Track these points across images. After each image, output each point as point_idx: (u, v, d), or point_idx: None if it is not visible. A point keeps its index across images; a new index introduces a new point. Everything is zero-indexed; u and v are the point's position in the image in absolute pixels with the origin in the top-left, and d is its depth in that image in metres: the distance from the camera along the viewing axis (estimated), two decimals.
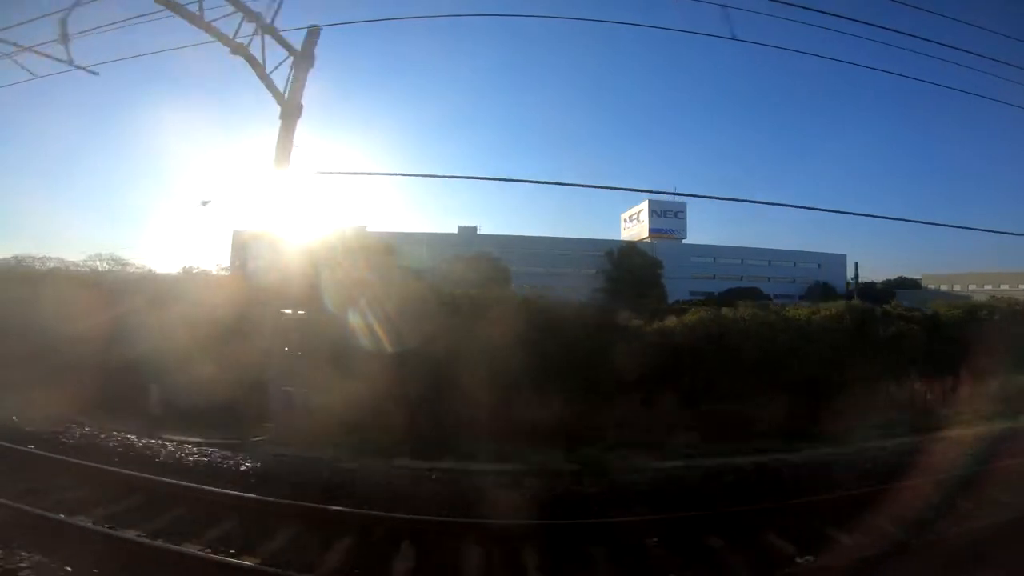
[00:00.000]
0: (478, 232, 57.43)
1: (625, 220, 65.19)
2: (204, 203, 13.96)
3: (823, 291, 52.09)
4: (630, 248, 49.96)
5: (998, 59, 11.30)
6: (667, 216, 56.85)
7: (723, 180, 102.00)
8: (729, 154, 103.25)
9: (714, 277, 54.74)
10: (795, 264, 64.53)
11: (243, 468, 7.92)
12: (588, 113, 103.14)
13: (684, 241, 57.92)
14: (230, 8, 9.31)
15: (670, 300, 37.60)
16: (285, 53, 10.53)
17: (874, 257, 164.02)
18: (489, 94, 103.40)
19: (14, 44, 9.82)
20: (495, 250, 46.56)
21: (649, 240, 55.16)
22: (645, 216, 57.69)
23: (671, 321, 11.05)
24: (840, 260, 63.71)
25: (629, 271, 45.13)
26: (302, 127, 10.86)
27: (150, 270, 15.16)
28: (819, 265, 65.06)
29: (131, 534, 5.48)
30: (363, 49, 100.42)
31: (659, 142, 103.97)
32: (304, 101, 10.87)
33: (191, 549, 5.25)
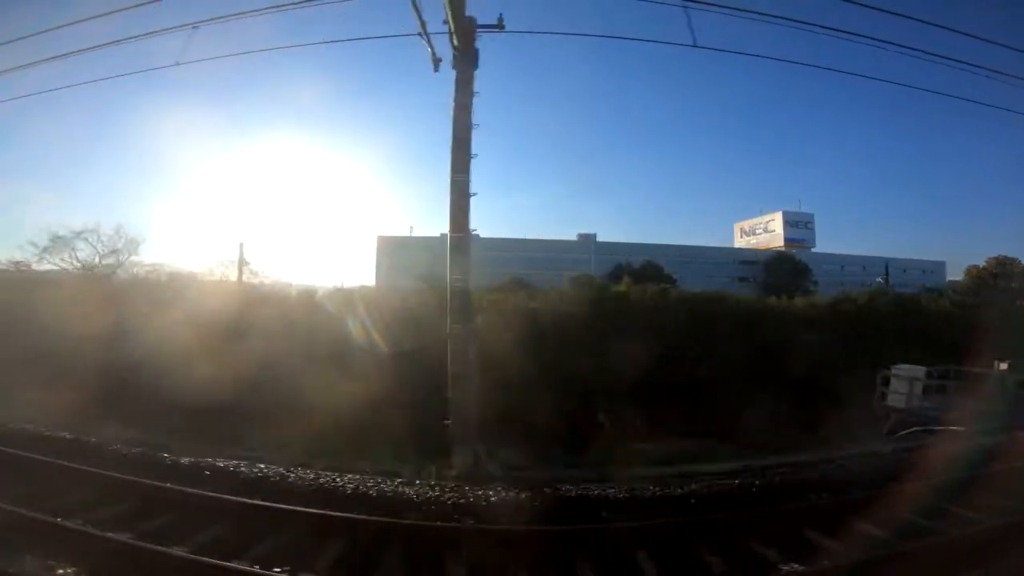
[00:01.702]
0: (597, 239, 59.02)
1: (743, 230, 68.44)
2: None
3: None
4: (780, 256, 54.19)
5: None
6: (799, 226, 59.89)
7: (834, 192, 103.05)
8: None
9: (842, 284, 58.30)
10: (904, 271, 68.30)
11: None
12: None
13: (813, 250, 61.97)
14: None
15: None
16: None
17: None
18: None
19: None
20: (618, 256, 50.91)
21: (784, 249, 59.32)
22: (775, 226, 60.43)
23: None
24: (940, 267, 67.75)
25: (779, 278, 49.26)
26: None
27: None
28: (923, 271, 68.75)
29: None
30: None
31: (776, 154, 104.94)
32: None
33: None
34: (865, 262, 63.94)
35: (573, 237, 61.70)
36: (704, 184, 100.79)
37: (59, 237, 20.84)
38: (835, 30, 9.47)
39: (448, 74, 8.85)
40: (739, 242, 67.82)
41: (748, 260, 55.53)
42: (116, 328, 11.77)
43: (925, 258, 68.24)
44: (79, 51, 10.03)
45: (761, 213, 64.20)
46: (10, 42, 10.21)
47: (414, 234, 53.85)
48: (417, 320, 12.28)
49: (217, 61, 11.78)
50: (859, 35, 9.61)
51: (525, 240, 56.42)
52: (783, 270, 49.98)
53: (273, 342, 11.29)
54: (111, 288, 17.20)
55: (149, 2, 9.35)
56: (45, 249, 20.40)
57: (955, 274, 65.00)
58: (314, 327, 12.69)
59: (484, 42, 8.88)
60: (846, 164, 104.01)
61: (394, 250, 50.76)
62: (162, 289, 16.30)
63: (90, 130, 79.08)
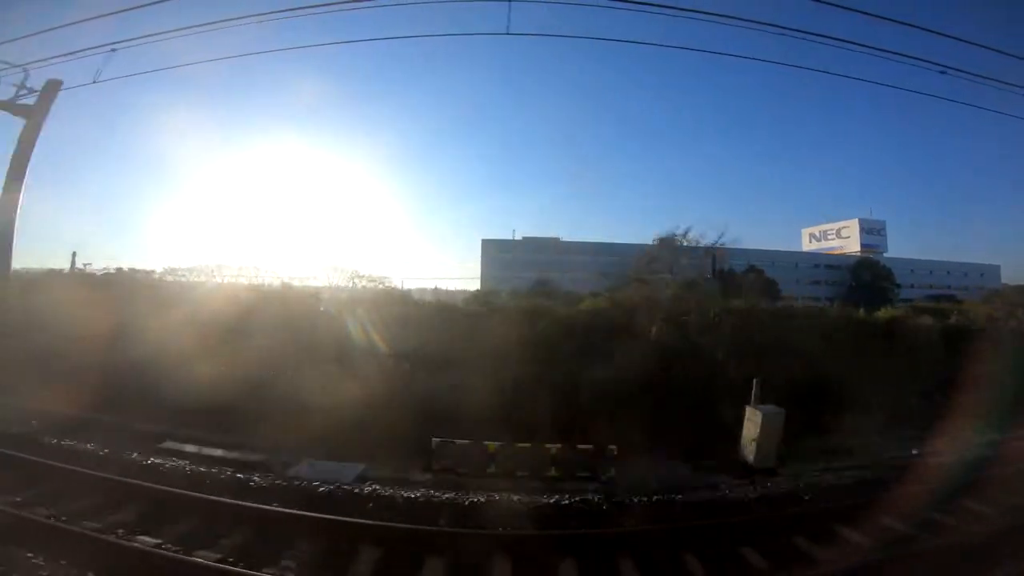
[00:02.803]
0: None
1: (812, 235, 71.40)
2: None
3: None
4: (865, 261, 58.84)
5: None
6: (873, 233, 64.32)
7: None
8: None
9: (912, 286, 63.49)
10: (966, 274, 73.21)
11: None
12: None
13: (885, 255, 67.41)
14: None
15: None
16: None
17: None
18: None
19: None
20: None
21: (861, 254, 65.26)
22: (849, 232, 64.84)
23: None
24: (995, 270, 72.89)
25: (863, 281, 54.76)
26: None
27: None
28: (982, 274, 73.66)
29: None
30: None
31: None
32: None
33: None
34: (931, 266, 69.32)
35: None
36: (751, 191, 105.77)
37: None
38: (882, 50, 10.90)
39: None
40: (807, 247, 71.44)
41: (833, 264, 60.19)
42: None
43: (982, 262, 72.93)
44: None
45: (830, 220, 69.55)
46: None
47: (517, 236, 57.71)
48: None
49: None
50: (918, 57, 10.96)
51: (610, 244, 58.17)
52: (867, 274, 55.53)
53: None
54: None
55: None
56: None
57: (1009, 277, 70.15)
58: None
59: None
60: (904, 172, 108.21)
61: (498, 252, 55.23)
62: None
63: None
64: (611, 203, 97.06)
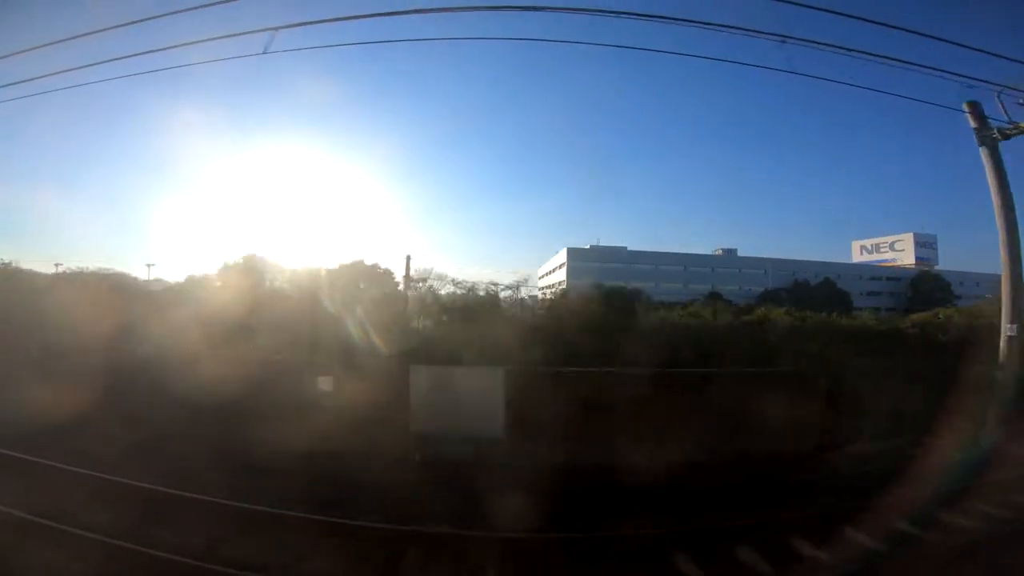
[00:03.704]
0: (738, 254, 67.04)
1: (863, 247, 75.69)
2: None
3: None
4: (925, 274, 61.88)
5: None
6: (926, 247, 69.60)
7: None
8: None
9: (960, 297, 69.85)
10: None
11: None
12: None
13: (936, 267, 69.28)
14: None
15: None
16: None
17: None
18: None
19: None
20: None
21: (915, 267, 67.32)
22: (904, 246, 69.89)
23: None
24: None
25: (921, 293, 56.91)
26: None
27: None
28: None
29: None
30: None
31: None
32: None
33: None
34: (978, 278, 76.10)
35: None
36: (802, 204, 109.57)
37: None
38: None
39: None
40: (857, 258, 75.92)
41: (892, 277, 65.22)
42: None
43: None
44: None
45: (883, 234, 74.42)
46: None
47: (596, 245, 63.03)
48: None
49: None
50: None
51: (675, 254, 62.68)
52: (926, 286, 58.82)
53: None
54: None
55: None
56: None
57: None
58: None
59: None
60: (949, 187, 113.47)
61: (583, 260, 58.86)
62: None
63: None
64: (669, 213, 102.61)
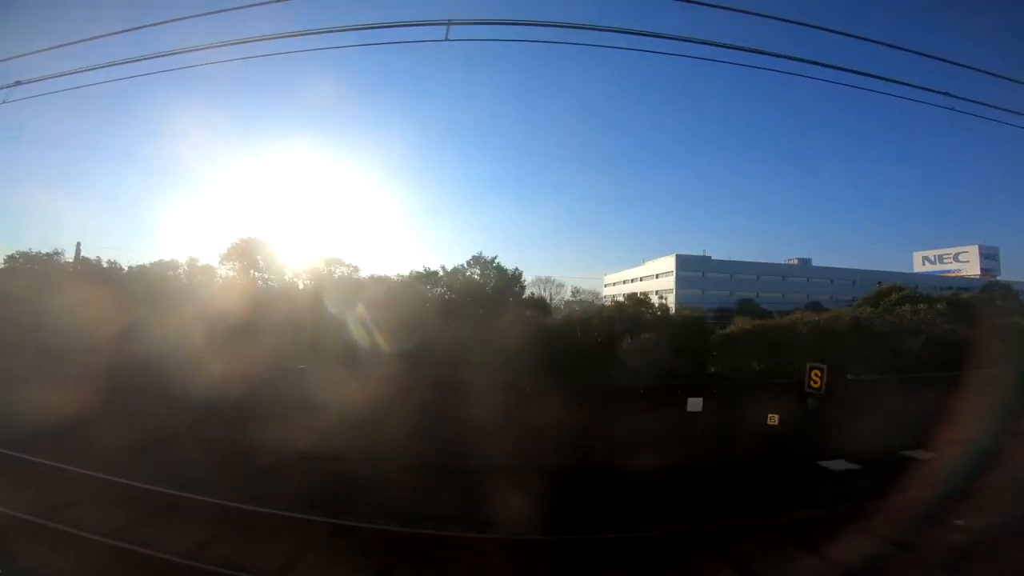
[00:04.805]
0: (812, 264, 70.86)
1: (926, 258, 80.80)
2: None
3: None
4: (992, 284, 63.27)
5: None
6: (990, 258, 74.48)
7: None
8: None
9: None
10: None
11: None
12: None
13: (998, 278, 72.45)
14: None
15: None
16: None
17: None
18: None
19: None
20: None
21: (979, 276, 70.82)
22: (968, 257, 75.07)
23: None
24: None
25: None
26: None
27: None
28: None
29: None
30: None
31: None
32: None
33: None
34: None
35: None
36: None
37: None
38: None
39: None
40: (918, 268, 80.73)
41: (963, 287, 67.13)
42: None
43: None
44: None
45: (947, 245, 79.19)
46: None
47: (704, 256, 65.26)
48: None
49: None
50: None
51: (780, 265, 67.02)
52: (995, 297, 64.24)
53: None
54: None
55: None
56: None
57: None
58: None
59: None
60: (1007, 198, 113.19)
61: (693, 269, 60.69)
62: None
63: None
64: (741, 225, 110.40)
